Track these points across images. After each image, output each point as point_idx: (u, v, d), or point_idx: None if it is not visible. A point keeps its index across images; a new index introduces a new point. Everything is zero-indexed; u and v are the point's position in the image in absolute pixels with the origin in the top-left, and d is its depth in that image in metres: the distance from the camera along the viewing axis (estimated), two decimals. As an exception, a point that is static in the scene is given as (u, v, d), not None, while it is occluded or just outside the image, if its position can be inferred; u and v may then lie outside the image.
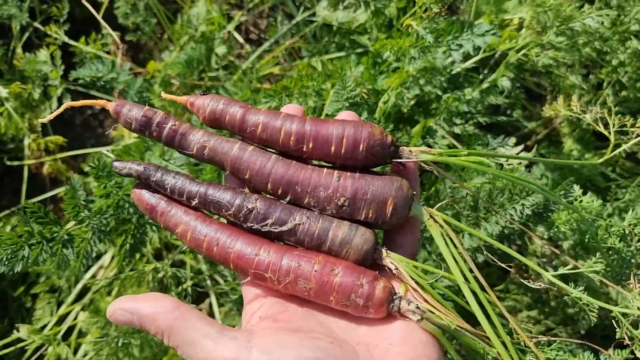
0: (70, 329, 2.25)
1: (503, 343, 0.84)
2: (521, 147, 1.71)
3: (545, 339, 0.94)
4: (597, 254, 1.08)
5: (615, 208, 2.08)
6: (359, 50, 2.19)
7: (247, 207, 0.89)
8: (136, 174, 0.94)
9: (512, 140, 1.71)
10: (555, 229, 1.48)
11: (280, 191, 0.90)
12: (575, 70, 2.27)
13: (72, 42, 2.38)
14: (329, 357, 0.75)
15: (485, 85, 1.87)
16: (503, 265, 0.99)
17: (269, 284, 0.86)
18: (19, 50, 2.55)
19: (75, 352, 2.18)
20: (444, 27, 1.55)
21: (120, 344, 1.43)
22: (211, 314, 2.24)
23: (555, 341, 0.98)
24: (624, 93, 2.35)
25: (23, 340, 2.09)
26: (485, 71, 2.23)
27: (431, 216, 0.90)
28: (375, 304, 0.82)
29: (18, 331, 2.03)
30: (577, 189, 1.45)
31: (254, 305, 0.89)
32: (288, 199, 0.90)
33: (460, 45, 1.58)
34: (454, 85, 2.00)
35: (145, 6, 2.36)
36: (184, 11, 2.36)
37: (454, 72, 1.94)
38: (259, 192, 0.95)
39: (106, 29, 2.34)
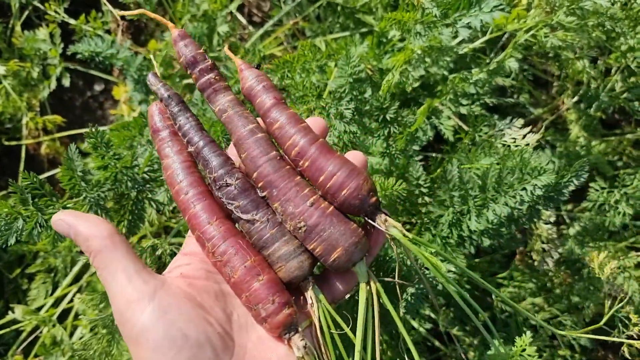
0: (66, 312, 2.22)
1: None
2: (528, 129, 1.66)
3: None
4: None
5: (622, 195, 2.03)
6: (364, 30, 2.15)
7: (226, 180, 0.93)
8: (159, 97, 1.01)
9: (520, 121, 1.67)
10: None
11: (259, 185, 0.94)
12: (583, 54, 2.23)
13: (71, 21, 2.33)
14: (206, 345, 0.80)
15: (492, 65, 1.82)
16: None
17: (204, 252, 0.92)
18: (17, 28, 2.51)
19: (70, 336, 2.15)
20: (451, 1, 1.50)
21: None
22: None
23: None
24: (632, 79, 2.30)
25: (19, 322, 2.06)
26: (492, 54, 2.18)
27: (368, 283, 0.94)
28: (273, 323, 0.88)
29: (13, 312, 2.00)
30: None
31: (184, 259, 0.95)
32: (263, 194, 0.94)
33: (468, 22, 1.54)
34: (461, 66, 1.96)
35: (146, -15, 2.32)
36: (186, -10, 2.31)
37: (461, 52, 1.90)
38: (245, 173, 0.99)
39: (106, 5, 2.30)
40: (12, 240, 1.21)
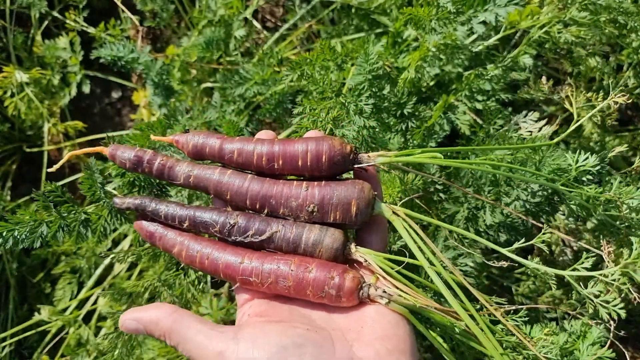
0: (90, 314, 2.26)
1: (472, 316, 0.93)
2: (544, 121, 1.69)
3: (513, 307, 1.04)
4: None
5: (638, 188, 2.05)
6: (379, 31, 2.18)
7: (229, 222, 1.01)
8: (134, 207, 1.09)
9: (535, 115, 1.70)
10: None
11: (257, 206, 1.02)
12: (595, 49, 2.25)
13: (90, 30, 2.39)
14: (305, 342, 0.85)
15: (507, 62, 1.85)
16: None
17: (254, 287, 0.98)
18: (38, 37, 2.57)
19: (95, 337, 2.18)
20: (466, -2, 1.54)
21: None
22: (232, 298, 2.23)
23: (521, 309, 1.11)
24: (645, 75, 2.32)
25: (42, 325, 2.09)
26: (505, 52, 2.21)
27: (393, 212, 1.01)
28: (346, 293, 0.92)
29: (39, 313, 2.04)
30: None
31: (244, 308, 1.00)
32: (265, 211, 1.02)
33: (483, 18, 1.57)
34: (475, 63, 1.99)
35: (163, -7, 2.37)
36: (202, -3, 2.37)
37: (475, 50, 1.93)
38: (241, 210, 1.07)
39: (125, 12, 2.35)
40: (37, 244, 1.26)
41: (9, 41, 2.55)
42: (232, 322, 2.19)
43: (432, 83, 2.14)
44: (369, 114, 1.52)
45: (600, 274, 1.09)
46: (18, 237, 1.23)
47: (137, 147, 1.10)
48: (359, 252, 0.99)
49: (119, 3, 2.36)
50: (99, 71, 2.64)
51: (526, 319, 1.14)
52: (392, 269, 0.95)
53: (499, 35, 1.92)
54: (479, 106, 1.81)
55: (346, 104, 1.52)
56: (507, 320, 0.98)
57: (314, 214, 0.99)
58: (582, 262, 1.11)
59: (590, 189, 1.35)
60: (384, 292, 0.93)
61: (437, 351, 1.52)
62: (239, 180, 1.03)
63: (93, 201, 1.36)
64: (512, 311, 1.09)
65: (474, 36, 1.98)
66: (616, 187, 1.37)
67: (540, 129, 1.70)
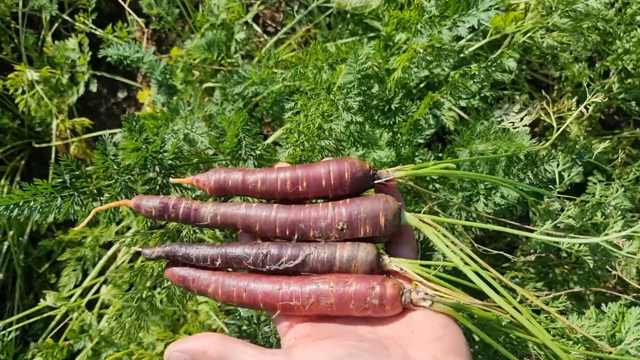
0: (93, 303, 2.35)
1: (514, 308, 0.94)
2: (524, 112, 1.78)
3: (551, 295, 1.08)
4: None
5: (620, 187, 2.14)
6: (372, 34, 2.29)
7: (262, 253, 1.03)
8: (164, 254, 1.09)
9: (517, 107, 1.79)
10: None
11: (287, 232, 1.04)
12: (580, 55, 2.34)
13: (98, 32, 2.51)
14: (360, 352, 0.86)
15: (490, 63, 1.95)
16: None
17: (296, 311, 0.98)
18: (48, 39, 2.69)
19: (98, 323, 2.27)
20: (450, 2, 1.64)
21: (144, 296, 1.51)
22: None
23: (561, 295, 1.14)
24: (629, 80, 2.41)
25: (46, 313, 2.18)
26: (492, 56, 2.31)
27: (420, 220, 1.04)
28: (389, 301, 0.93)
29: (45, 299, 2.13)
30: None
31: (289, 335, 1.00)
32: (296, 237, 1.04)
33: (467, 22, 1.67)
34: (463, 66, 2.09)
35: (168, -1, 2.50)
36: (205, 1, 2.48)
37: (463, 54, 2.03)
38: (269, 240, 1.09)
39: (131, 15, 2.47)
40: (51, 217, 1.32)
41: (21, 42, 2.67)
42: (228, 312, 2.27)
43: (422, 85, 2.24)
44: (357, 110, 1.63)
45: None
46: (34, 207, 1.29)
47: (160, 195, 1.11)
48: (393, 262, 1.00)
49: (126, 6, 2.49)
50: (106, 71, 2.76)
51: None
52: (429, 273, 0.97)
53: (485, 40, 2.02)
54: (462, 103, 1.91)
55: (335, 100, 1.62)
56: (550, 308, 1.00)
57: (344, 231, 1.01)
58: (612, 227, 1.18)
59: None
60: (426, 294, 0.93)
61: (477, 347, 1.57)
62: (266, 211, 1.05)
63: (105, 178, 1.43)
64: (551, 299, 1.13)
65: (463, 41, 2.08)
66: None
67: (522, 119, 1.79)
